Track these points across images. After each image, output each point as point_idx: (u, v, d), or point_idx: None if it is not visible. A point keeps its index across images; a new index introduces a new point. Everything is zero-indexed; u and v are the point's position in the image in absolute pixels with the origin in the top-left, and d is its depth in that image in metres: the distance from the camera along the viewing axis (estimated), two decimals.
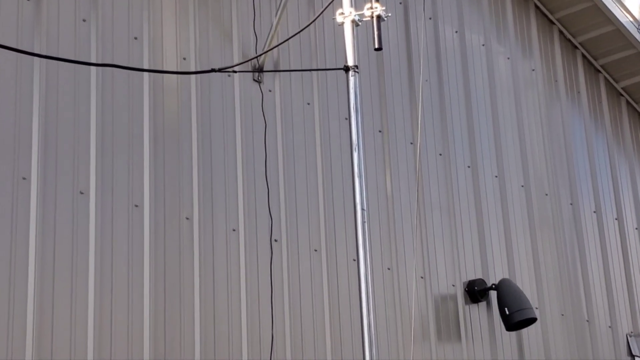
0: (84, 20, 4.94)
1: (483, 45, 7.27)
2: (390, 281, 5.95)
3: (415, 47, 6.62)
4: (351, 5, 4.73)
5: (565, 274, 7.24)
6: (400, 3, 6.72)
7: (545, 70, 7.75)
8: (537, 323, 6.59)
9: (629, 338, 7.64)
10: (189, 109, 5.26)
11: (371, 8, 4.71)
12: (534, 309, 6.51)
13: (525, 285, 6.82)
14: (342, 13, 4.74)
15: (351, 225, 4.61)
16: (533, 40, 7.72)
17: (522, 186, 7.18)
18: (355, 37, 4.73)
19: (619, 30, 7.96)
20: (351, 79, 4.69)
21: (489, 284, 6.51)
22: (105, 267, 4.67)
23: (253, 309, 5.19)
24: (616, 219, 7.98)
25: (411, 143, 6.39)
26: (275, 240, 5.40)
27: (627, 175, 8.29)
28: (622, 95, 8.54)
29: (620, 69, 8.34)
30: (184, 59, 5.33)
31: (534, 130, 7.45)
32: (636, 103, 8.65)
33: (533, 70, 7.64)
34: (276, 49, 5.73)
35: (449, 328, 6.23)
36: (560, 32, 8.01)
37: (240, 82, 5.53)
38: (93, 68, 4.86)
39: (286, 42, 5.76)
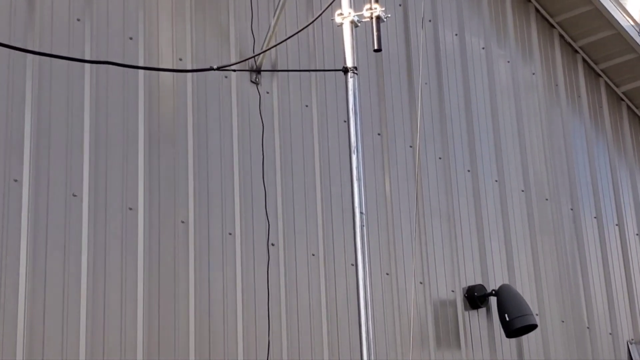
0: (78, 20, 4.88)
1: (483, 48, 7.22)
2: (389, 286, 5.89)
3: (415, 50, 6.57)
4: (350, 6, 4.67)
5: (565, 279, 7.20)
6: (400, 5, 6.67)
7: (545, 74, 7.71)
8: (538, 329, 6.54)
9: (629, 345, 7.59)
10: (185, 111, 5.20)
11: (370, 9, 4.65)
12: (534, 315, 6.47)
13: (526, 291, 6.77)
14: (341, 14, 4.68)
15: (350, 230, 4.55)
16: (533, 44, 7.67)
17: (523, 191, 7.14)
18: (355, 38, 4.67)
19: (620, 34, 7.91)
20: (350, 81, 4.63)
21: (488, 290, 6.46)
22: (98, 271, 4.59)
23: (249, 315, 5.11)
24: (617, 225, 7.95)
25: (410, 146, 6.34)
26: (273, 245, 5.33)
27: (627, 180, 8.25)
28: (622, 100, 8.49)
29: (621, 74, 8.29)
30: (180, 59, 5.27)
31: (534, 134, 7.40)
32: (637, 108, 8.60)
33: (533, 74, 7.60)
34: (274, 50, 5.67)
35: (448, 334, 6.17)
36: (561, 35, 7.96)
37: (237, 83, 5.46)
38: (87, 67, 4.80)
39: (284, 44, 5.70)
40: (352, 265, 5.22)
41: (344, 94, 4.58)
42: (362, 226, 4.43)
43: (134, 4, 5.14)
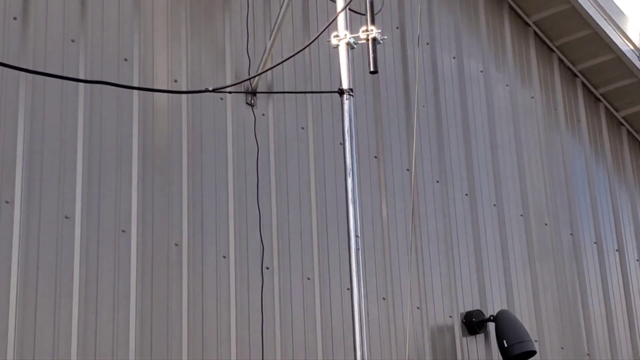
0: (72, 41, 4.85)
1: (481, 71, 7.20)
2: (385, 311, 5.83)
3: (412, 73, 6.55)
4: (346, 28, 4.66)
5: (565, 305, 7.14)
6: (397, 28, 6.65)
7: (544, 98, 7.68)
8: (537, 356, 6.48)
9: None
10: (180, 133, 5.16)
11: (367, 31, 4.64)
12: (533, 341, 6.41)
13: (525, 317, 6.71)
14: (337, 35, 4.68)
15: (345, 253, 4.51)
16: (532, 68, 7.65)
17: (521, 215, 7.09)
18: (351, 60, 4.67)
19: (620, 58, 7.89)
20: (346, 103, 4.63)
21: (487, 316, 6.40)
22: (89, 294, 4.54)
23: (243, 339, 5.05)
24: (617, 250, 7.90)
25: (407, 169, 6.30)
26: (267, 268, 5.29)
27: (628, 205, 8.21)
28: (622, 124, 8.46)
29: (620, 98, 8.26)
30: (175, 81, 5.24)
31: (533, 158, 7.37)
32: (637, 133, 8.57)
33: (532, 97, 7.57)
34: (270, 72, 5.64)
35: None
36: (560, 59, 7.94)
37: (232, 105, 5.43)
38: (81, 87, 4.77)
39: (280, 66, 5.68)
40: (348, 289, 5.18)
41: (340, 116, 4.56)
42: (357, 249, 4.40)
43: (129, 25, 5.12)
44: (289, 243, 5.45)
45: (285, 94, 5.70)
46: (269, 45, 5.52)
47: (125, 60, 5.04)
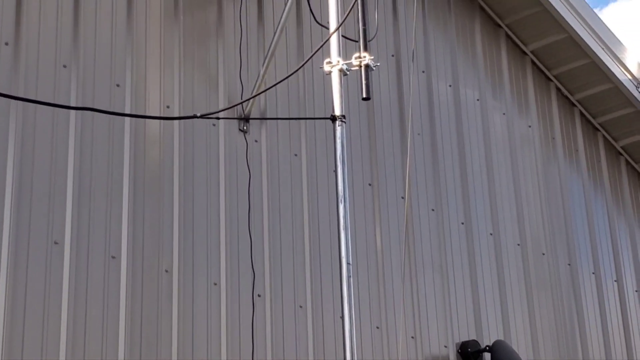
0: (64, 66, 4.84)
1: (478, 100, 7.18)
2: (379, 340, 5.78)
3: (408, 100, 6.53)
4: (339, 55, 4.64)
5: (562, 336, 7.08)
6: (393, 56, 6.64)
7: (542, 127, 7.66)
8: None
9: None
10: (171, 159, 5.14)
11: (359, 57, 4.63)
12: None
13: (521, 347, 6.66)
14: (330, 62, 4.66)
15: (338, 281, 4.46)
16: (529, 96, 7.63)
17: (518, 245, 7.05)
18: (346, 87, 4.66)
19: (618, 88, 7.88)
20: (338, 129, 4.60)
21: (483, 346, 6.35)
22: (78, 321, 4.50)
23: None
24: (615, 281, 7.84)
25: (402, 197, 6.26)
26: (259, 296, 5.24)
27: (626, 236, 8.16)
28: (621, 154, 8.43)
29: (619, 128, 8.24)
30: (168, 107, 5.22)
31: (530, 187, 7.33)
32: (636, 162, 8.53)
33: (529, 126, 7.55)
34: (264, 98, 5.63)
35: None
36: (558, 88, 7.93)
37: (225, 131, 5.41)
38: (72, 114, 4.75)
39: (274, 93, 5.67)
40: (341, 317, 5.13)
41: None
42: (348, 277, 4.36)
43: (121, 50, 5.11)
44: (281, 270, 5.41)
45: (279, 121, 5.68)
46: (262, 72, 5.51)
47: (118, 85, 5.03)
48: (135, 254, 4.80)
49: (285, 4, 5.50)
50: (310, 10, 5.91)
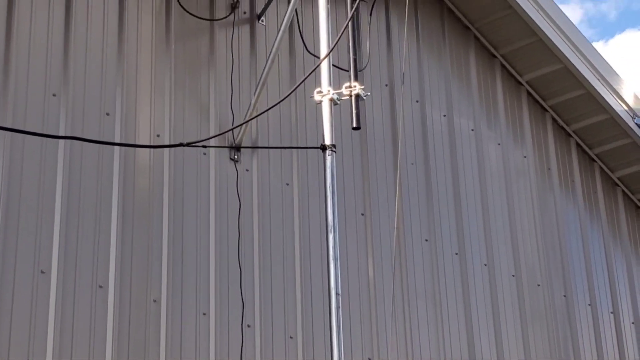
0: (54, 95, 4.83)
1: (472, 130, 7.15)
2: None
3: (401, 130, 6.51)
4: (330, 84, 4.63)
5: None
6: (386, 85, 6.63)
7: (537, 158, 7.62)
8: None
9: None
10: (161, 188, 5.11)
11: (350, 87, 4.62)
12: None
13: None
14: (320, 91, 4.65)
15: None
16: (525, 127, 7.60)
17: (513, 276, 6.99)
18: (338, 116, 4.64)
19: (614, 119, 7.85)
20: (328, 159, 4.59)
21: None
22: (64, 351, 4.47)
23: None
24: (612, 313, 7.77)
25: (396, 227, 6.22)
26: (249, 326, 5.19)
27: (623, 267, 8.10)
28: (617, 185, 8.39)
29: (616, 159, 8.20)
30: (158, 135, 5.20)
31: (525, 218, 7.29)
32: (632, 194, 8.49)
33: (525, 157, 7.51)
34: (255, 127, 5.61)
35: None
36: (554, 119, 7.90)
37: (215, 160, 5.39)
38: (61, 142, 4.72)
39: (266, 122, 5.65)
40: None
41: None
42: (338, 308, 4.31)
43: (112, 79, 5.09)
44: (272, 300, 5.36)
45: (270, 150, 5.65)
46: (253, 101, 5.50)
47: (107, 114, 5.01)
48: (123, 284, 4.77)
49: (277, 33, 5.50)
50: (302, 39, 5.92)
